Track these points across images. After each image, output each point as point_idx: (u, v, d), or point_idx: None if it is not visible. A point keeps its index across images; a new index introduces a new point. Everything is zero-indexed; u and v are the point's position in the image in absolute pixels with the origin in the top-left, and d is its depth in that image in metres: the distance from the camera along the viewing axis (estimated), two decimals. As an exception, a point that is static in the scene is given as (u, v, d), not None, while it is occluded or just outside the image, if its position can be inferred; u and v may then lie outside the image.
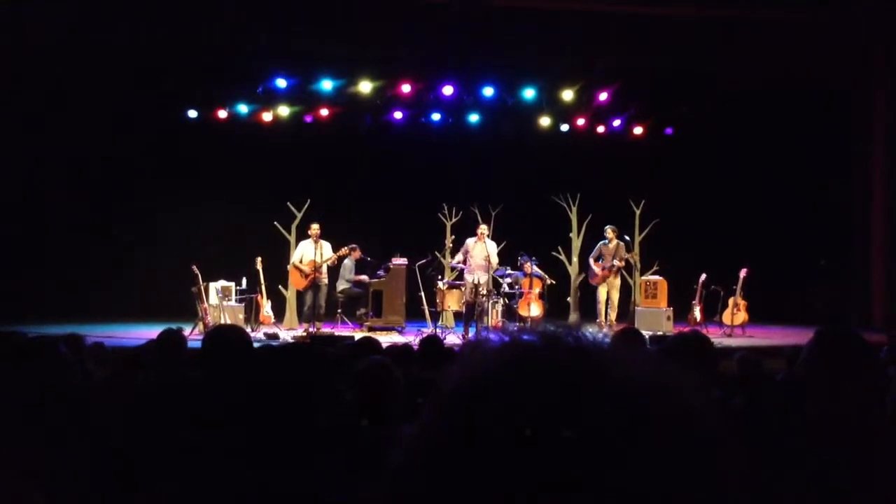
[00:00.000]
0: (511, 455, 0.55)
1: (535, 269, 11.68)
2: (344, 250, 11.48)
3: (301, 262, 11.45)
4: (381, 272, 11.82)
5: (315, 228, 11.39)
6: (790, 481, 1.88)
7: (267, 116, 13.30)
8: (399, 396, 3.18)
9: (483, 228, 11.30)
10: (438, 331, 10.38)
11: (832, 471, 1.90)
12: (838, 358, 2.18)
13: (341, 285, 11.82)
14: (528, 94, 13.38)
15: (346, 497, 1.39)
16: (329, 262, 11.43)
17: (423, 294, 11.60)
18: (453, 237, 12.52)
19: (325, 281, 11.48)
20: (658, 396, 0.59)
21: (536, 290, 11.63)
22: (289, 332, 11.41)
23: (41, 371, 1.68)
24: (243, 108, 13.24)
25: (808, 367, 2.25)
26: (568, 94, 13.29)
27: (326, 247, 11.40)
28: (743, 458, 0.61)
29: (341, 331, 11.03)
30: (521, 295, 11.60)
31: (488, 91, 13.30)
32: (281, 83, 12.95)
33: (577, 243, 13.35)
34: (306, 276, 11.33)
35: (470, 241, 11.27)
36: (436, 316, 11.66)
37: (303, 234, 11.90)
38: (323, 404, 1.52)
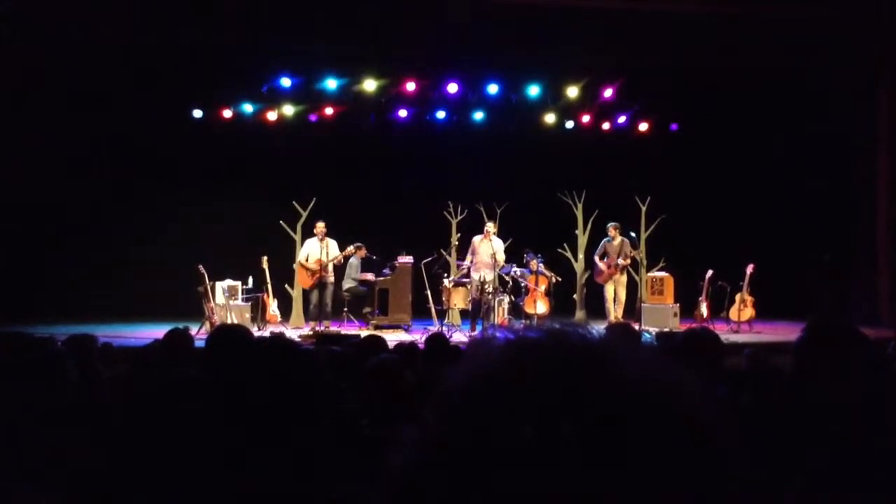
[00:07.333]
0: (515, 455, 0.55)
1: (541, 266, 11.67)
2: (350, 249, 11.51)
3: (307, 260, 11.49)
4: (386, 270, 11.83)
5: (321, 227, 11.44)
6: (794, 476, 1.87)
7: (272, 115, 13.30)
8: (407, 395, 3.18)
9: (490, 226, 11.30)
10: (445, 329, 10.38)
11: (833, 462, 1.89)
12: (829, 349, 2.16)
13: (347, 284, 11.83)
14: (533, 91, 13.35)
15: (346, 498, 1.38)
16: (335, 261, 11.48)
17: (429, 292, 11.61)
18: (459, 235, 12.52)
19: (332, 279, 11.53)
20: (662, 393, 0.59)
21: (542, 287, 11.61)
22: (295, 330, 11.40)
23: (42, 370, 1.68)
24: (248, 108, 13.26)
25: (799, 359, 2.24)
26: (573, 91, 13.26)
27: (332, 245, 11.46)
28: (747, 454, 0.60)
29: (347, 329, 11.03)
30: (527, 292, 11.58)
31: (493, 88, 13.27)
32: (285, 82, 12.96)
33: (582, 240, 13.32)
34: (312, 274, 11.36)
35: (476, 240, 11.29)
36: (442, 314, 11.65)
37: (308, 233, 11.93)
38: (324, 404, 1.52)
